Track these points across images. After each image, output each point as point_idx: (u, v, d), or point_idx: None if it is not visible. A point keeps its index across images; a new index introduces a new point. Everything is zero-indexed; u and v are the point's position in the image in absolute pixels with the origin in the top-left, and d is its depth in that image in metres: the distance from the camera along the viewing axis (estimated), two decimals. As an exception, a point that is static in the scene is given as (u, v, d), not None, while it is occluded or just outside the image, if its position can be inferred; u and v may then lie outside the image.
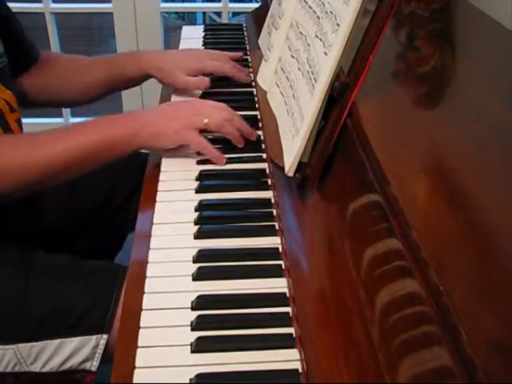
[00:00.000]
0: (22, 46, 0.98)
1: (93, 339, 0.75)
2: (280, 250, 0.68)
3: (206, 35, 1.27)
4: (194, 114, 0.82)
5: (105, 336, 0.75)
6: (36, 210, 0.98)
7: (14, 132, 0.89)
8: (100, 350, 0.76)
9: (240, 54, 1.10)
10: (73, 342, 0.75)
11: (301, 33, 0.76)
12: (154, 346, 0.57)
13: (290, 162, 0.69)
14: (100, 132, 0.79)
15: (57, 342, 0.75)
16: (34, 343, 0.75)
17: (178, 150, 0.83)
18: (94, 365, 0.76)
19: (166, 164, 0.83)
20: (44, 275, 0.80)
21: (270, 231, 0.71)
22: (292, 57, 0.78)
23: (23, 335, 0.75)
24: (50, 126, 1.18)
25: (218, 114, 0.83)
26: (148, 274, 0.65)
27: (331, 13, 0.66)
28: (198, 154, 0.84)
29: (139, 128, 0.79)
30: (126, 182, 1.03)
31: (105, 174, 0.87)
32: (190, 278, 0.64)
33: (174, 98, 1.01)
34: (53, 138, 0.79)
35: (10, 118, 0.88)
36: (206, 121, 0.81)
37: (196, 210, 0.74)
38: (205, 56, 1.03)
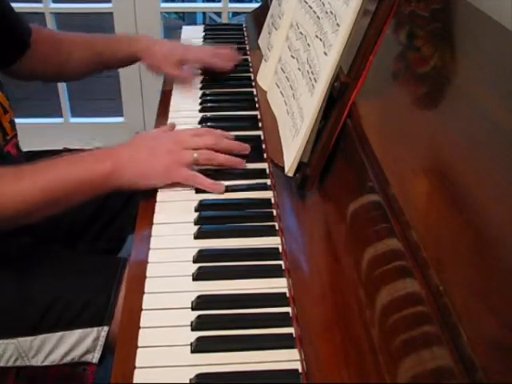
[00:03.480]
0: (17, 33, 0.96)
1: (94, 331, 0.76)
2: (280, 249, 0.68)
3: (205, 35, 1.28)
4: (180, 148, 0.77)
5: (106, 328, 0.76)
6: None
7: (8, 133, 0.88)
8: (101, 342, 0.76)
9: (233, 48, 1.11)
10: (74, 335, 0.76)
11: (301, 33, 0.76)
12: (154, 346, 0.57)
13: (290, 162, 0.69)
14: (79, 169, 0.74)
15: (58, 334, 0.75)
16: (36, 337, 0.75)
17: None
18: (95, 357, 0.77)
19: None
20: (44, 269, 0.80)
21: (270, 231, 0.71)
22: (292, 57, 0.78)
23: (24, 329, 0.76)
24: (50, 126, 1.18)
25: (203, 143, 0.78)
26: (148, 274, 0.65)
27: (331, 13, 0.66)
28: None
29: (119, 167, 0.74)
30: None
31: None
32: (190, 277, 0.64)
33: (174, 93, 1.02)
34: (32, 172, 0.74)
35: (3, 119, 0.87)
36: (195, 155, 0.77)
37: (196, 210, 0.74)
38: (190, 48, 1.07)
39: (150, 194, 0.78)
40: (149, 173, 0.76)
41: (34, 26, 1.02)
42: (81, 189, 0.74)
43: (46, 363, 0.76)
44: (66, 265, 0.82)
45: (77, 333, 0.75)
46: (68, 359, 0.77)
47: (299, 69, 0.74)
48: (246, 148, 0.83)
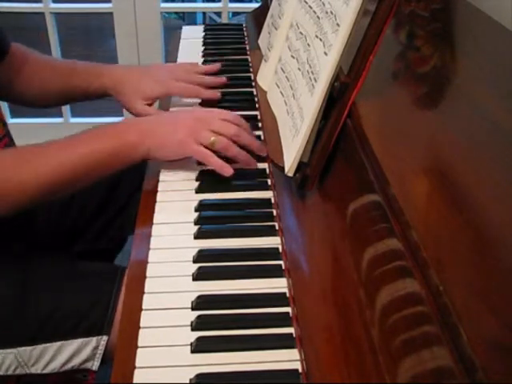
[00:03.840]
0: None
1: (93, 341, 0.75)
2: (280, 249, 0.68)
3: (205, 35, 1.27)
4: (201, 127, 0.77)
5: (105, 337, 0.75)
6: (34, 212, 0.98)
7: None
8: (100, 351, 0.76)
9: (217, 65, 1.02)
10: (73, 344, 0.75)
11: (301, 33, 0.76)
12: (154, 346, 0.57)
13: (290, 162, 0.69)
14: (104, 143, 0.75)
15: (57, 344, 0.75)
16: (35, 346, 0.75)
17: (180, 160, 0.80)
18: (95, 364, 0.76)
19: (167, 164, 0.83)
20: (42, 279, 0.80)
21: (270, 231, 0.71)
22: (292, 57, 0.78)
23: (23, 339, 0.75)
24: (50, 126, 1.18)
25: (225, 129, 0.78)
26: (148, 274, 0.65)
27: (331, 13, 0.66)
28: (199, 162, 0.81)
29: (142, 138, 0.76)
30: (126, 184, 1.03)
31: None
32: (190, 277, 0.64)
33: (173, 97, 1.01)
34: (49, 151, 0.75)
35: None
36: (212, 139, 0.76)
37: (196, 210, 0.74)
38: (169, 78, 0.95)
39: (150, 194, 0.78)
40: (166, 143, 0.77)
41: (14, 44, 0.97)
42: (109, 161, 0.75)
43: (45, 371, 0.76)
44: (65, 274, 0.82)
45: (76, 342, 0.75)
46: (68, 367, 0.76)
47: (299, 69, 0.74)
48: (263, 150, 0.82)
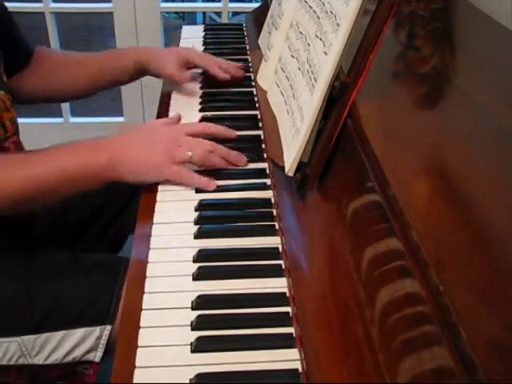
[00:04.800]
0: (18, 47, 0.98)
1: (96, 330, 0.76)
2: (280, 249, 0.68)
3: (205, 35, 1.28)
4: (175, 146, 0.77)
5: (108, 327, 0.76)
6: (35, 213, 0.98)
7: (8, 131, 0.89)
8: (103, 341, 0.76)
9: (241, 65, 1.07)
10: (77, 334, 0.76)
11: (301, 33, 0.76)
12: (153, 346, 0.57)
13: (290, 161, 0.69)
14: (76, 158, 0.74)
15: (61, 333, 0.76)
16: (39, 335, 0.76)
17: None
18: (97, 355, 0.77)
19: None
20: (46, 268, 0.81)
21: (270, 231, 0.71)
22: (292, 56, 0.78)
23: (27, 328, 0.76)
24: (50, 125, 1.18)
25: (200, 145, 0.78)
26: (148, 274, 0.65)
27: (331, 13, 0.66)
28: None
29: (115, 158, 0.74)
30: (125, 184, 1.03)
31: None
32: (190, 277, 0.64)
33: (174, 93, 1.01)
34: (24, 161, 0.75)
35: (4, 117, 0.88)
36: (189, 153, 0.77)
37: (196, 210, 0.74)
38: (195, 51, 1.05)
39: (150, 194, 0.78)
40: (142, 168, 0.77)
41: (38, 47, 1.03)
42: (75, 178, 0.75)
43: (48, 362, 0.77)
44: (70, 264, 0.83)
45: (80, 331, 0.76)
46: (70, 358, 0.77)
47: (299, 68, 0.74)
48: (241, 160, 0.82)
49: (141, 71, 1.02)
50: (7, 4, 0.95)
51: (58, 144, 0.77)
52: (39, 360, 0.77)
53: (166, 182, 0.79)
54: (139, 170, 0.76)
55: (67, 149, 0.77)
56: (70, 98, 1.14)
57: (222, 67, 1.02)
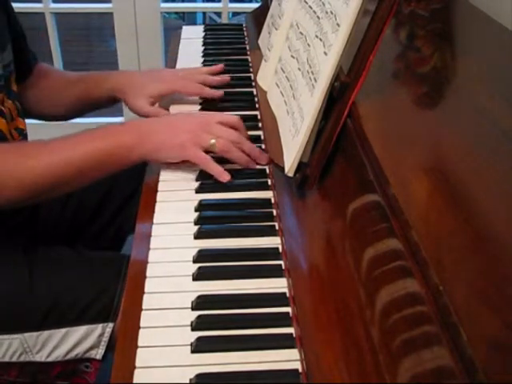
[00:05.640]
0: (24, 56, 0.97)
1: (99, 327, 0.76)
2: (280, 249, 0.68)
3: (205, 35, 1.27)
4: (202, 131, 0.77)
5: (110, 324, 0.76)
6: (35, 211, 0.98)
7: (15, 139, 0.88)
8: (106, 338, 0.77)
9: (220, 66, 1.02)
10: (79, 331, 0.76)
11: (301, 33, 0.76)
12: (153, 346, 0.57)
13: (290, 162, 0.69)
14: (100, 143, 0.75)
15: (63, 330, 0.76)
16: (41, 332, 0.76)
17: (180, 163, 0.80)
18: (99, 353, 0.77)
19: (167, 164, 0.83)
20: (49, 265, 0.81)
21: (270, 231, 0.71)
22: (292, 57, 0.78)
23: (30, 324, 0.76)
24: (50, 126, 1.18)
25: (226, 135, 0.78)
26: (148, 274, 0.65)
27: (331, 13, 0.66)
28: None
29: (140, 140, 0.76)
30: (125, 183, 1.03)
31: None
32: (190, 277, 0.64)
33: (171, 108, 1.00)
34: (48, 148, 0.75)
35: (10, 126, 0.87)
36: (212, 141, 0.76)
37: (196, 210, 0.74)
38: (173, 76, 0.98)
39: (150, 194, 0.78)
40: (165, 146, 0.77)
41: (40, 63, 1.03)
42: (106, 161, 0.75)
43: (49, 359, 0.77)
44: (72, 261, 0.83)
45: (82, 329, 0.76)
46: (72, 355, 0.77)
47: (299, 69, 0.74)
48: (264, 159, 0.81)
49: (114, 101, 1.00)
50: (7, 4, 0.95)
51: (89, 129, 0.78)
52: (41, 357, 0.77)
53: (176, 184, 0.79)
54: (163, 145, 0.77)
55: (95, 134, 0.77)
56: (58, 118, 1.09)
57: (206, 83, 0.97)
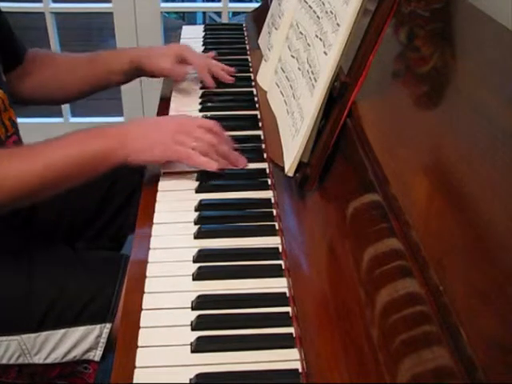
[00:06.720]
0: (10, 45, 0.96)
1: (96, 328, 0.76)
2: (280, 249, 0.68)
3: (205, 35, 1.28)
4: (182, 132, 0.78)
5: (108, 325, 0.76)
6: (34, 211, 0.98)
7: (9, 130, 0.89)
8: (103, 339, 0.77)
9: (232, 69, 1.06)
10: (77, 332, 0.76)
11: (301, 33, 0.76)
12: (153, 346, 0.57)
13: (290, 161, 0.69)
14: (82, 146, 0.75)
15: (61, 332, 0.76)
16: (39, 333, 0.76)
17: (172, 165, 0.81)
18: (97, 354, 0.77)
19: (166, 164, 0.83)
20: (46, 266, 0.81)
21: (269, 231, 0.71)
22: (292, 57, 0.78)
23: (28, 326, 0.76)
24: (50, 126, 1.18)
25: (205, 138, 0.79)
26: (148, 273, 0.65)
27: (331, 13, 0.66)
28: None
29: (122, 141, 0.76)
30: (125, 183, 1.03)
31: (103, 174, 0.87)
32: (190, 277, 0.64)
33: (174, 93, 1.01)
34: (34, 152, 0.75)
35: (3, 116, 0.88)
36: (194, 144, 0.78)
37: (196, 210, 0.74)
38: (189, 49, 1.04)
39: (150, 194, 0.78)
40: (148, 147, 0.77)
41: (33, 49, 1.03)
42: (92, 163, 0.75)
43: (48, 361, 0.77)
44: (70, 262, 0.83)
45: (80, 330, 0.76)
46: (70, 357, 0.77)
47: (299, 68, 0.74)
48: (241, 162, 0.82)
49: (135, 72, 1.02)
50: (8, 4, 0.95)
51: (75, 131, 0.78)
52: (39, 359, 0.77)
53: (167, 173, 0.80)
54: (144, 145, 0.77)
55: (78, 137, 0.77)
56: (60, 100, 1.12)
57: (211, 70, 1.02)
